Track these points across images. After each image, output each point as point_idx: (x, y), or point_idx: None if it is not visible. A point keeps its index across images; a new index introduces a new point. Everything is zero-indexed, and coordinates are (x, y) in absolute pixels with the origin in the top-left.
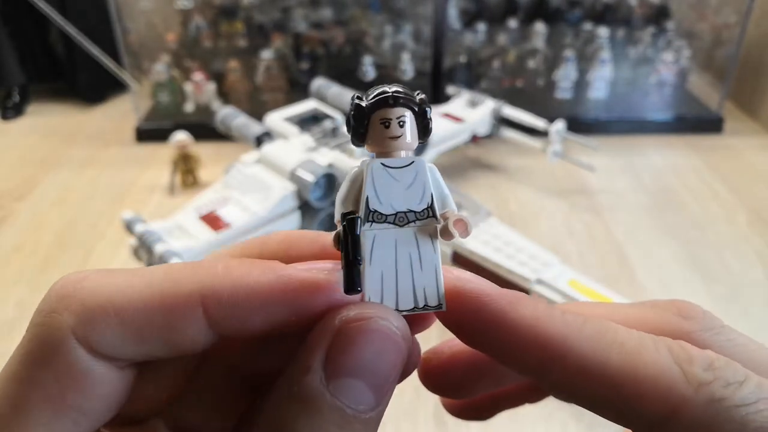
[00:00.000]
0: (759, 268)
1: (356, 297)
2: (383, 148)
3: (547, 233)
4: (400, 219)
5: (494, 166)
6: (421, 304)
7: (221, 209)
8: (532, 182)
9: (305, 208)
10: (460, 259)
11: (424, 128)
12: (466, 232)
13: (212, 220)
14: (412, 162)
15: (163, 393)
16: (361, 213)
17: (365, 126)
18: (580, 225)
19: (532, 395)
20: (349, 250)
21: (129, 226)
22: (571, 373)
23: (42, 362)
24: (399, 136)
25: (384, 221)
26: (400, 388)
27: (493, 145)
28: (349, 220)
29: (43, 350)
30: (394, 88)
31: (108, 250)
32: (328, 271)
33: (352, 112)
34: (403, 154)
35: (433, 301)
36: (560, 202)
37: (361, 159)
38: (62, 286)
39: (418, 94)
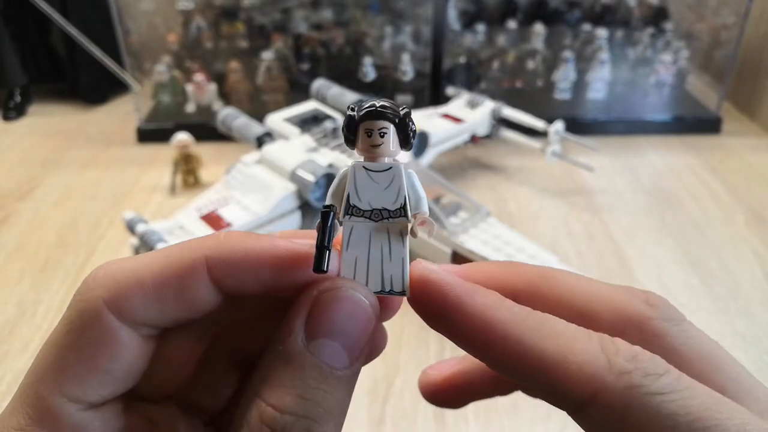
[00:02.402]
0: (757, 267)
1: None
2: (367, 153)
3: (546, 233)
4: (376, 215)
5: (493, 167)
6: (387, 289)
7: (222, 209)
8: (531, 182)
9: (306, 208)
10: (460, 259)
11: (405, 139)
12: (431, 232)
13: (213, 220)
14: (391, 167)
15: (175, 373)
16: (342, 207)
17: (354, 134)
18: (579, 225)
19: (502, 388)
20: (321, 237)
21: (130, 226)
22: (510, 354)
23: (79, 330)
24: (379, 145)
25: (361, 215)
26: (400, 389)
27: (492, 146)
28: (324, 213)
29: (81, 320)
30: (381, 103)
31: (109, 250)
32: (312, 245)
33: (345, 121)
34: (386, 159)
35: (398, 288)
36: (559, 202)
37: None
38: (96, 271)
39: (402, 109)
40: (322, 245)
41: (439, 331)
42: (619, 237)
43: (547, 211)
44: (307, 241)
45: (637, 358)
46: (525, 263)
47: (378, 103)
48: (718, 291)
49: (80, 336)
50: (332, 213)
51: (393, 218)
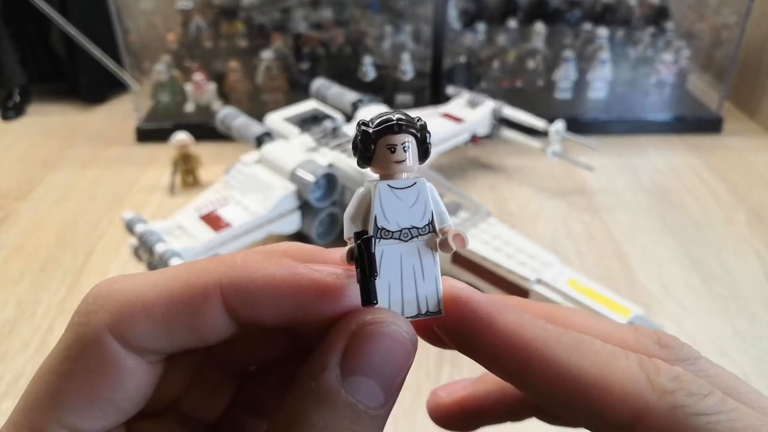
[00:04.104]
0: (758, 267)
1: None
2: (388, 171)
3: (546, 233)
4: (405, 235)
5: (494, 166)
6: (423, 311)
7: (221, 209)
8: (531, 182)
9: (305, 208)
10: (460, 259)
11: (423, 152)
12: (463, 245)
13: (213, 220)
14: (415, 183)
15: (175, 389)
16: (370, 230)
17: (371, 150)
18: (580, 225)
19: (516, 414)
20: (366, 266)
21: (129, 226)
22: (548, 375)
23: (78, 356)
24: (403, 161)
25: (390, 237)
26: None
27: (492, 146)
28: (365, 240)
29: (81, 345)
30: (398, 116)
31: (108, 250)
32: (337, 275)
33: (359, 138)
34: (404, 175)
35: (433, 308)
36: (559, 202)
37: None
38: (98, 290)
39: (418, 121)
40: (372, 275)
41: (468, 355)
42: (620, 237)
43: (547, 211)
44: (332, 269)
45: (679, 378)
46: (530, 301)
47: (394, 116)
48: (718, 291)
49: (80, 363)
50: (372, 239)
51: (422, 235)
